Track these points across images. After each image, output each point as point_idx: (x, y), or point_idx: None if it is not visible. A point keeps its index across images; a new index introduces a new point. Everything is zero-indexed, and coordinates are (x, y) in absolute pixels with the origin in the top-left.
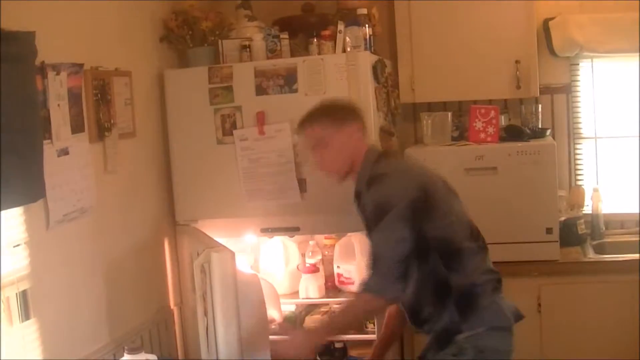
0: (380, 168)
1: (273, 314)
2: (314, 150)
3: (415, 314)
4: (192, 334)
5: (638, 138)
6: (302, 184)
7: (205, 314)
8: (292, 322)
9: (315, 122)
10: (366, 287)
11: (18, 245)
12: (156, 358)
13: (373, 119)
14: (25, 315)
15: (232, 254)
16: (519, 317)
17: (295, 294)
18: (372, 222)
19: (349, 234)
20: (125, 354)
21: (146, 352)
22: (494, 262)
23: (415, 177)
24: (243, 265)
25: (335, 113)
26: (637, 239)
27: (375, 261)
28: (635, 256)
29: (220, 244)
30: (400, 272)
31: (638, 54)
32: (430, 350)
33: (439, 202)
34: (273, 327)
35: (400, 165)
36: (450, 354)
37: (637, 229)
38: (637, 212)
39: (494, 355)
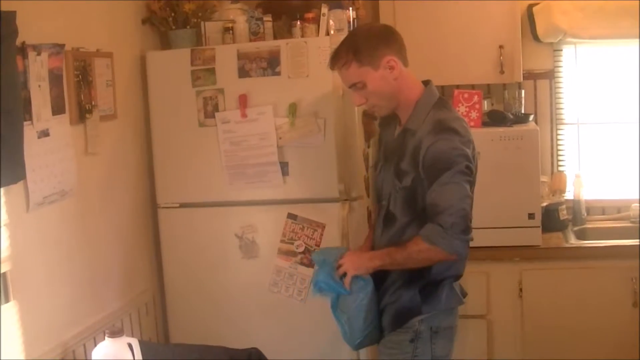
0: (449, 119)
1: None
2: (353, 90)
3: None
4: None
5: (638, 124)
6: (284, 167)
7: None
8: None
9: (346, 63)
10: (428, 238)
11: None
12: (137, 341)
13: None
14: (5, 297)
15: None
16: (464, 294)
17: None
18: (431, 170)
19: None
20: (106, 337)
21: (127, 336)
22: (476, 247)
23: (471, 143)
24: None
25: (366, 48)
26: (618, 225)
27: (439, 213)
28: (614, 242)
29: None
30: (466, 226)
31: (621, 40)
32: (386, 327)
33: (476, 176)
34: None
35: (465, 126)
36: (408, 340)
37: (618, 215)
38: (618, 198)
39: (445, 332)
